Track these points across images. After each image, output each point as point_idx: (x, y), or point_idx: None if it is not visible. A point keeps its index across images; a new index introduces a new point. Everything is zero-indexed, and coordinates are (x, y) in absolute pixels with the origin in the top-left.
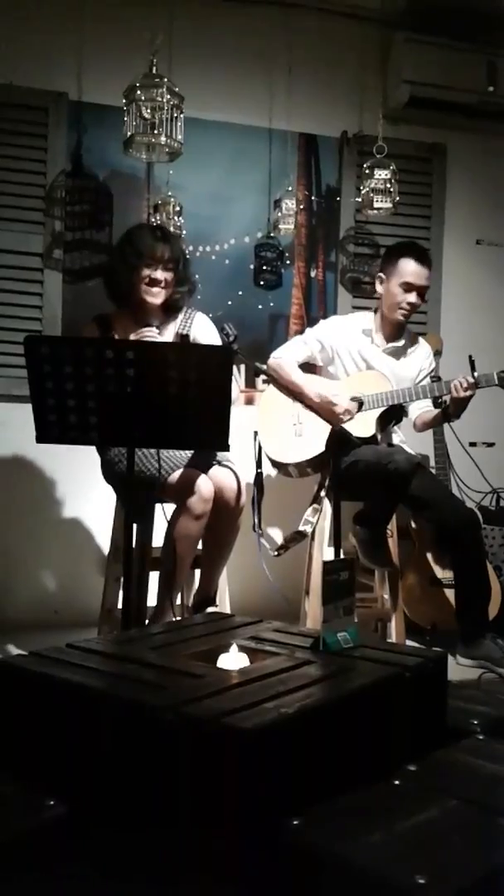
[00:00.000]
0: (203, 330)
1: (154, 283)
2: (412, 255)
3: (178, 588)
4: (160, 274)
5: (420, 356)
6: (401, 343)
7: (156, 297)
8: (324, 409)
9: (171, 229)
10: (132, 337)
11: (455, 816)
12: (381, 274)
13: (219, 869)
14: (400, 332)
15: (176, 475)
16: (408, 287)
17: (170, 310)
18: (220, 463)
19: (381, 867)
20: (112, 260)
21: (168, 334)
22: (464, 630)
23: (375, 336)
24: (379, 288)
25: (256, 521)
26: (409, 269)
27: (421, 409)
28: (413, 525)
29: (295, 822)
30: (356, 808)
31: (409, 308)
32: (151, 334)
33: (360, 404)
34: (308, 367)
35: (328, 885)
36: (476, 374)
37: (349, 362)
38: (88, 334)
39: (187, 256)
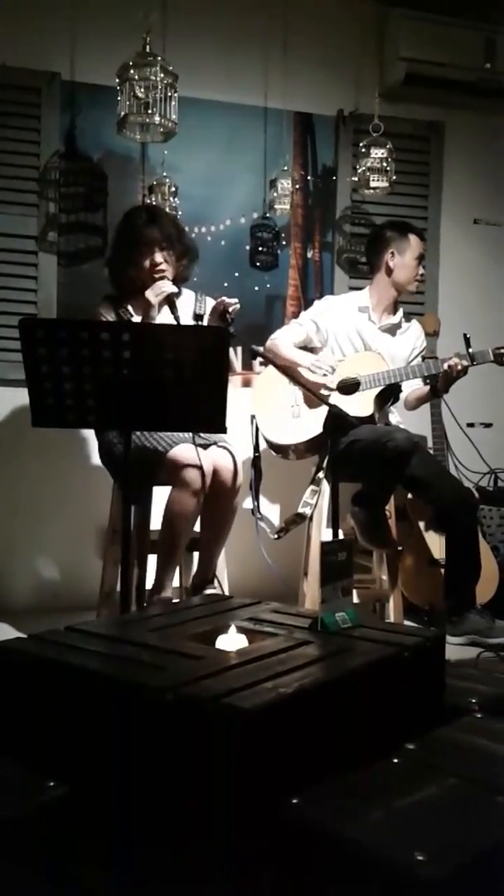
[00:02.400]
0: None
1: (156, 267)
2: (414, 230)
3: (175, 565)
4: (158, 256)
5: (413, 335)
6: (396, 319)
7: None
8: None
9: (167, 209)
10: (148, 293)
11: (453, 794)
12: (392, 251)
13: (218, 848)
14: (394, 309)
15: (173, 451)
16: (420, 258)
17: (176, 282)
18: (216, 444)
19: (380, 845)
20: (110, 256)
21: (185, 315)
22: (450, 605)
23: (373, 313)
24: (391, 263)
25: (256, 505)
26: (418, 242)
27: (412, 387)
28: (411, 506)
29: (294, 801)
30: (355, 786)
31: (419, 279)
32: (168, 287)
33: (357, 385)
34: (310, 350)
35: (327, 862)
36: (471, 350)
37: (345, 341)
38: (105, 314)
39: (181, 227)
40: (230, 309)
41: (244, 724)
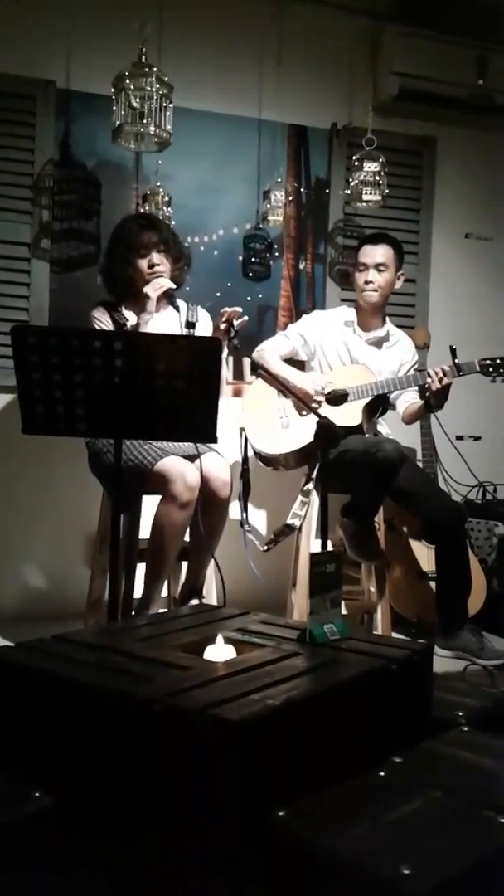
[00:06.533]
0: (205, 326)
1: (154, 268)
2: (365, 240)
3: (164, 578)
4: (156, 258)
5: (402, 349)
6: (381, 333)
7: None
8: (300, 390)
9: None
10: (147, 288)
11: (440, 807)
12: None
13: (205, 860)
14: (379, 323)
15: (161, 464)
16: (362, 267)
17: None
18: (206, 453)
19: (366, 858)
20: (106, 260)
21: (174, 323)
22: (443, 621)
23: (357, 327)
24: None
25: (244, 517)
26: (361, 252)
27: (407, 402)
28: (399, 517)
29: (281, 814)
30: (342, 799)
31: (368, 287)
32: (167, 282)
33: (345, 396)
34: (295, 363)
35: (314, 875)
36: (458, 361)
37: (332, 355)
38: (99, 317)
39: (175, 233)
40: (236, 321)
41: (231, 735)
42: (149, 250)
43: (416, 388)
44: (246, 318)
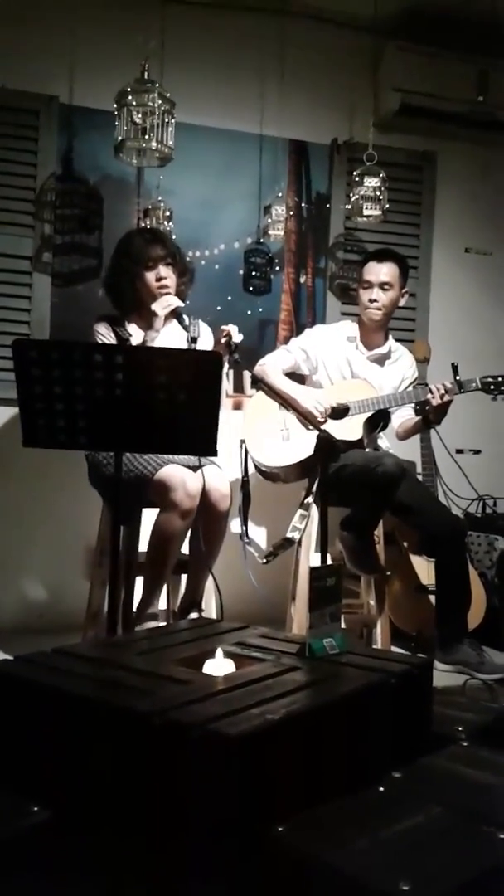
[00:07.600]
0: (207, 340)
1: (161, 281)
2: (371, 257)
3: (162, 585)
4: (163, 271)
5: (403, 365)
6: (384, 350)
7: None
8: (303, 409)
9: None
10: (155, 306)
11: (439, 823)
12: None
13: (204, 875)
14: (382, 339)
15: (162, 472)
16: (367, 285)
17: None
18: (206, 465)
19: (365, 873)
20: (111, 273)
21: (180, 340)
22: (442, 635)
23: (360, 343)
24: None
25: (244, 529)
26: (366, 268)
27: (403, 417)
28: (399, 530)
29: (280, 829)
30: (341, 814)
31: (372, 305)
32: (175, 301)
33: (347, 410)
34: (296, 377)
35: (313, 891)
36: (459, 378)
37: (334, 370)
38: (103, 332)
39: (179, 247)
40: (234, 340)
41: (231, 750)
42: (156, 264)
43: (414, 403)
44: (241, 336)
